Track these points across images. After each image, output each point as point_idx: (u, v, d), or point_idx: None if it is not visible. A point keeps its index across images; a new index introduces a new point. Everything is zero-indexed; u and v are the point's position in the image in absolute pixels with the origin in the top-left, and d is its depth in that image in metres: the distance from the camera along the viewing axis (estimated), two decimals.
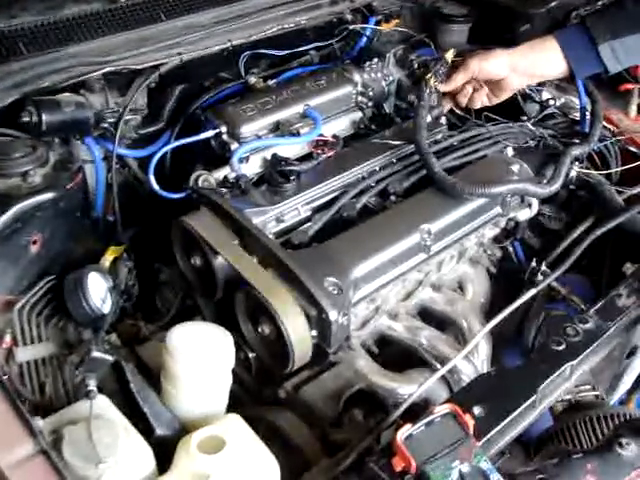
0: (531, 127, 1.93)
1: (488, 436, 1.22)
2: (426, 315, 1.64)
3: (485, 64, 1.80)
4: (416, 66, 1.98)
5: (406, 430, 1.13)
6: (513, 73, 1.81)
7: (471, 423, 1.17)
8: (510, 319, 1.61)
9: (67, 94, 1.63)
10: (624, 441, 1.23)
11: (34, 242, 1.45)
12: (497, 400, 1.27)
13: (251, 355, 1.51)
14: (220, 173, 1.64)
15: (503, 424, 1.25)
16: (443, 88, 1.81)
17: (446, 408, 1.17)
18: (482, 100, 1.88)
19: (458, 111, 1.96)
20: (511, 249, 1.91)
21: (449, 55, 1.81)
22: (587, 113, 1.95)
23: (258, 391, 1.55)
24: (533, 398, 1.30)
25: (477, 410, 1.24)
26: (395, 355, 1.59)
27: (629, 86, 2.06)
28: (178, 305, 1.68)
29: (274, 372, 1.46)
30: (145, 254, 1.70)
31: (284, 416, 1.40)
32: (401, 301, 1.61)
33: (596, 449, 1.26)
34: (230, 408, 1.36)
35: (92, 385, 1.22)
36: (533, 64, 1.80)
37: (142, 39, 1.79)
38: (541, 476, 1.18)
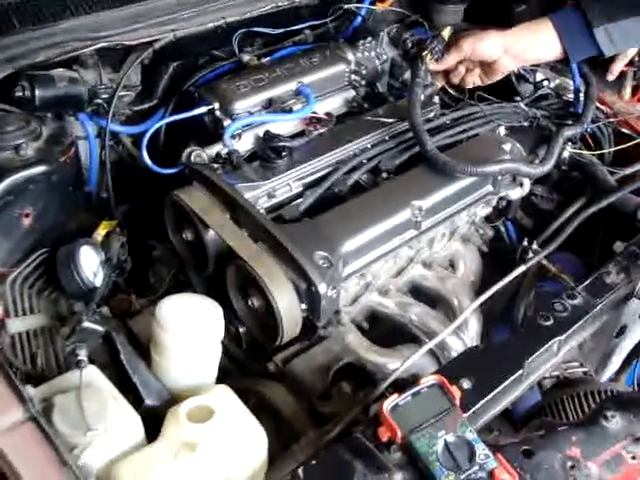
0: (524, 107, 1.93)
1: (474, 408, 1.23)
2: (417, 292, 1.65)
3: (478, 45, 1.77)
4: (410, 45, 1.98)
5: (392, 400, 1.15)
6: (506, 55, 1.78)
7: (457, 394, 1.18)
8: (501, 298, 1.62)
9: (60, 69, 1.63)
10: (609, 414, 1.24)
11: (26, 215, 1.46)
12: (484, 373, 1.28)
13: (241, 329, 1.52)
14: (213, 149, 1.65)
15: (490, 397, 1.26)
16: (435, 67, 1.80)
17: (433, 379, 1.19)
18: (474, 81, 1.87)
19: (451, 90, 1.96)
20: (503, 229, 1.92)
21: (446, 33, 1.79)
22: (581, 94, 1.95)
23: (248, 365, 1.56)
24: (520, 372, 1.31)
25: (464, 383, 1.24)
26: (386, 331, 1.60)
27: (623, 68, 2.06)
28: (170, 280, 1.68)
29: (264, 345, 1.47)
30: (138, 230, 1.70)
31: (273, 388, 1.42)
32: (392, 278, 1.62)
33: (581, 422, 1.26)
34: (220, 382, 1.37)
35: (82, 355, 1.23)
36: (527, 46, 1.78)
37: (136, 15, 1.78)
38: (526, 447, 1.19)
